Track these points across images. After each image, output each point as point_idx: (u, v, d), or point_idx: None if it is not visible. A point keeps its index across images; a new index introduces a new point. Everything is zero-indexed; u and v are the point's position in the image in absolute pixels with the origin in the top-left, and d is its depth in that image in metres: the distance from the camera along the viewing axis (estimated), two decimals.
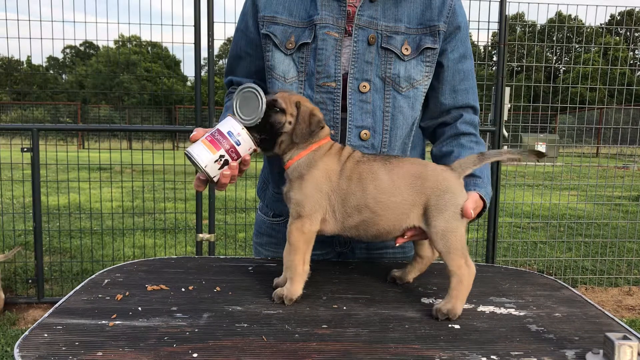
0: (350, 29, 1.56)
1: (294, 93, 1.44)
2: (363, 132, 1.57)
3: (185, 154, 1.37)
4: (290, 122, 1.39)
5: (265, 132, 1.39)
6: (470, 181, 1.50)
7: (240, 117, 1.36)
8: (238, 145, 1.35)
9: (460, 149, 1.62)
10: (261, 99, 1.34)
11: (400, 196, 1.34)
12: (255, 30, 1.65)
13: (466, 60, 1.65)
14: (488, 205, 1.52)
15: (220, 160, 1.35)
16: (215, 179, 1.37)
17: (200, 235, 4.48)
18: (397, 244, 1.39)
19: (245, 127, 1.36)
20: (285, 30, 1.58)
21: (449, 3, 1.58)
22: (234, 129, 1.35)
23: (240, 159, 1.38)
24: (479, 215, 1.50)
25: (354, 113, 1.56)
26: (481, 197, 1.47)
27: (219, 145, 1.34)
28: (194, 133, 1.40)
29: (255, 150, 1.40)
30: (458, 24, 1.60)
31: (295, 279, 1.36)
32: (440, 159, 1.66)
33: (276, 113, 1.39)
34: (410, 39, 1.57)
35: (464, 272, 1.29)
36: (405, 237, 1.38)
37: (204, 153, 1.34)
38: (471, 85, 1.67)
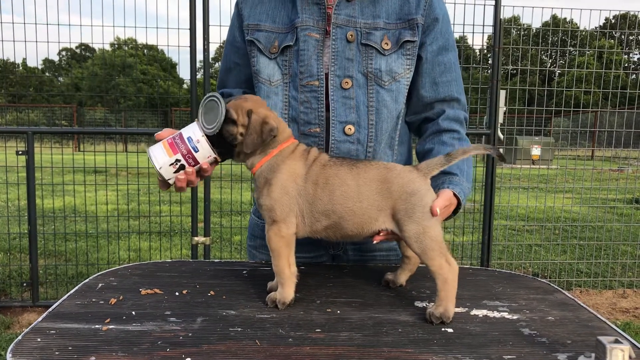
0: (329, 28, 1.59)
1: (249, 99, 1.42)
2: (347, 127, 1.58)
3: (147, 151, 1.38)
4: (241, 134, 1.38)
5: (221, 145, 1.39)
6: (445, 178, 1.51)
7: (203, 125, 1.36)
8: (196, 151, 1.35)
9: (441, 146, 1.62)
10: (222, 108, 1.34)
11: (367, 201, 1.34)
12: (242, 40, 1.70)
13: (447, 52, 1.66)
14: (464, 202, 1.52)
15: (176, 164, 1.35)
16: (170, 182, 1.38)
17: (196, 238, 4.47)
18: (375, 242, 1.39)
19: (206, 135, 1.35)
20: (269, 36, 1.63)
21: None
22: (194, 135, 1.35)
23: (198, 165, 1.37)
24: (454, 212, 1.51)
25: (337, 109, 1.59)
26: (455, 195, 1.48)
27: (177, 150, 1.35)
28: (159, 132, 1.42)
29: (216, 159, 1.40)
30: (435, 16, 1.62)
31: (285, 283, 1.36)
32: (423, 156, 1.67)
33: (227, 124, 1.37)
34: (389, 33, 1.60)
35: (446, 271, 1.29)
36: (381, 234, 1.37)
37: (160, 155, 1.35)
38: (454, 77, 1.67)
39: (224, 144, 1.39)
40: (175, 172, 1.36)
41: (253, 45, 1.65)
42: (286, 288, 1.36)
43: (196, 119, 1.39)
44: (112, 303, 1.35)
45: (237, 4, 1.73)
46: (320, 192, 1.35)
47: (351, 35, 1.58)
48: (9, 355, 1.05)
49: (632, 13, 5.87)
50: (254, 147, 1.36)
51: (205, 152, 1.36)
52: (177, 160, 1.35)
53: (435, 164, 1.38)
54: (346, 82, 1.59)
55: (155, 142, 1.40)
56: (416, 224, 1.31)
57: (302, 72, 1.59)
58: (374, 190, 1.34)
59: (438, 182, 1.50)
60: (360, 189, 1.34)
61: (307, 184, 1.36)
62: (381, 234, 1.37)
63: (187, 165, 1.36)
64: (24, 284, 4.69)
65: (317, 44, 1.59)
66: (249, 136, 1.36)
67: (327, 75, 1.59)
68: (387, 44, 1.59)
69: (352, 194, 1.34)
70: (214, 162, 1.43)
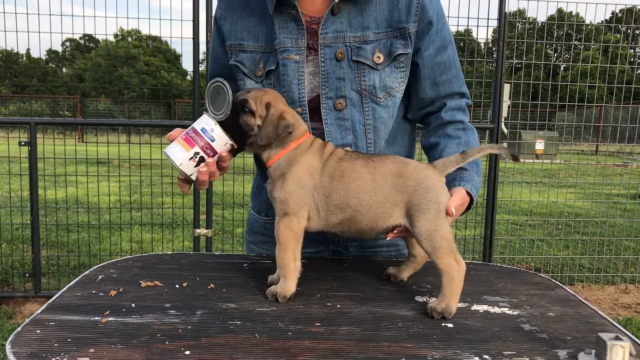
0: (317, 45, 1.52)
1: (268, 92, 1.42)
2: (345, 149, 1.55)
3: (164, 153, 1.37)
4: (259, 126, 1.38)
5: (236, 133, 1.39)
6: (456, 174, 1.49)
7: (213, 113, 1.36)
8: (212, 141, 1.35)
9: (446, 139, 1.60)
10: (228, 92, 1.34)
11: (382, 195, 1.33)
12: (225, 58, 1.64)
13: (445, 50, 1.59)
14: (476, 199, 1.50)
15: (195, 157, 1.35)
16: (192, 177, 1.38)
17: (198, 230, 4.48)
18: (388, 239, 1.39)
19: (218, 122, 1.35)
20: (254, 57, 1.58)
21: (416, 0, 1.52)
22: (207, 125, 1.35)
23: (217, 155, 1.38)
24: (467, 209, 1.50)
25: (332, 132, 1.55)
26: (468, 192, 1.46)
27: (194, 143, 1.35)
28: (171, 132, 1.41)
29: (233, 146, 1.40)
30: (429, 20, 1.54)
31: (288, 276, 1.36)
32: (429, 150, 1.65)
33: (246, 114, 1.37)
34: (381, 44, 1.52)
35: (454, 269, 1.29)
36: (395, 231, 1.37)
37: (178, 151, 1.35)
38: (454, 74, 1.62)
39: (239, 134, 1.39)
40: (195, 165, 1.36)
41: (238, 69, 1.60)
42: (288, 282, 1.36)
43: (205, 111, 1.39)
44: (112, 295, 1.35)
45: (215, 20, 1.65)
46: (336, 185, 1.35)
47: (341, 54, 1.51)
48: (8, 347, 1.05)
49: (638, 7, 5.82)
50: (268, 140, 1.36)
51: (221, 140, 1.36)
52: (196, 154, 1.35)
53: (451, 162, 1.38)
54: (340, 102, 1.54)
55: (169, 143, 1.39)
56: (429, 221, 1.31)
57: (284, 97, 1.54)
58: (389, 184, 1.34)
59: (449, 178, 1.49)
60: (376, 183, 1.34)
61: (323, 178, 1.36)
62: (395, 230, 1.37)
63: (206, 157, 1.36)
64: (26, 275, 4.71)
65: (297, 67, 1.52)
66: (264, 128, 1.36)
67: (314, 97, 1.54)
68: (379, 58, 1.52)
69: (368, 188, 1.34)
70: (231, 150, 1.43)
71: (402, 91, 1.59)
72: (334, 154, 1.39)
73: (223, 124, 1.36)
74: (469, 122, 1.67)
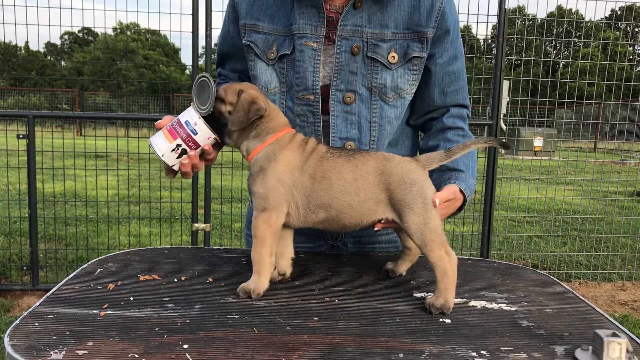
0: (334, 36, 1.52)
1: (242, 84, 1.42)
2: (347, 143, 1.55)
3: (149, 142, 1.39)
4: (230, 112, 1.38)
5: (213, 122, 1.39)
6: (452, 174, 1.50)
7: (198, 107, 1.37)
8: (195, 134, 1.36)
9: (446, 143, 1.61)
10: (212, 87, 1.35)
11: (364, 194, 1.33)
12: (237, 36, 1.63)
13: (456, 61, 1.61)
14: (469, 199, 1.50)
15: (178, 149, 1.36)
16: (175, 168, 1.39)
17: (196, 224, 4.48)
18: (376, 230, 1.39)
19: (202, 116, 1.36)
20: (267, 39, 1.56)
21: (438, 5, 1.52)
22: (190, 118, 1.36)
23: (199, 148, 1.38)
24: (459, 209, 1.50)
25: (338, 125, 1.54)
26: (461, 191, 1.46)
27: (176, 135, 1.35)
28: (159, 121, 1.42)
29: (217, 140, 1.40)
30: (447, 28, 1.55)
31: (262, 272, 1.35)
32: (426, 152, 1.65)
33: (216, 102, 1.38)
34: (397, 45, 1.52)
35: (446, 262, 1.29)
36: (382, 222, 1.37)
37: (161, 142, 1.36)
38: (461, 85, 1.64)
39: (216, 125, 1.40)
40: (177, 157, 1.37)
41: (250, 49, 1.59)
42: (262, 278, 1.35)
43: (192, 102, 1.39)
44: (110, 288, 1.35)
45: None
46: (317, 185, 1.34)
47: (357, 48, 1.50)
48: (6, 339, 1.05)
49: (638, 5, 5.82)
50: (239, 124, 1.36)
51: (204, 134, 1.36)
52: (178, 146, 1.35)
53: (434, 158, 1.37)
54: (349, 96, 1.53)
55: (157, 131, 1.40)
56: (417, 216, 1.30)
57: (297, 84, 1.53)
58: (372, 182, 1.33)
59: (444, 178, 1.49)
60: (357, 183, 1.33)
61: (303, 176, 1.35)
62: (382, 222, 1.37)
63: (188, 150, 1.36)
64: (24, 268, 4.71)
65: (314, 54, 1.52)
66: (235, 113, 1.36)
67: (328, 86, 1.54)
68: (394, 57, 1.52)
69: (350, 188, 1.33)
70: (216, 145, 1.43)
71: (411, 94, 1.59)
72: (315, 151, 1.38)
73: (206, 118, 1.37)
74: (468, 129, 1.69)
